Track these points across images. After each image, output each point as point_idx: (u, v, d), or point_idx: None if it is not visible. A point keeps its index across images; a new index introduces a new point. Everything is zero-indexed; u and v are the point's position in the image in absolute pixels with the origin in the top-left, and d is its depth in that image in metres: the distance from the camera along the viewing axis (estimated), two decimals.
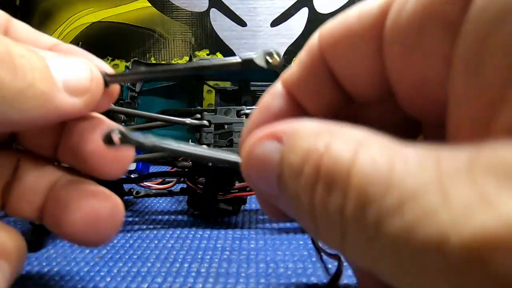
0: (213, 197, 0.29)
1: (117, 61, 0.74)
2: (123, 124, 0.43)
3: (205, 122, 0.30)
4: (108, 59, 0.74)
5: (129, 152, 0.17)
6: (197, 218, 0.31)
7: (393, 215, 0.08)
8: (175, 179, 0.36)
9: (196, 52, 0.75)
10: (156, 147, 0.13)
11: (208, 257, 0.23)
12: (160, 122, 0.33)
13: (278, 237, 0.26)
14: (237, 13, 0.73)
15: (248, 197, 0.32)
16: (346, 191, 0.09)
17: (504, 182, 0.07)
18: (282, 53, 0.71)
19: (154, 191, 0.34)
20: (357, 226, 0.09)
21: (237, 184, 0.30)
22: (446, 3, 0.10)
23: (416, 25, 0.11)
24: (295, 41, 0.74)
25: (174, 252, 0.24)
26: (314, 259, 0.23)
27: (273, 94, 0.15)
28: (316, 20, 0.73)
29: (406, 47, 0.11)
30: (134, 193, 0.33)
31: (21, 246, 0.15)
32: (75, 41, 0.75)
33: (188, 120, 0.30)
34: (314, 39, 0.14)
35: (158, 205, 0.35)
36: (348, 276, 0.21)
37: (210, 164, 0.28)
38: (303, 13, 0.74)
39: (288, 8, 0.73)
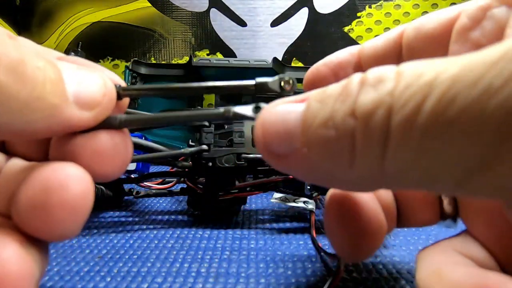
0: (213, 197, 0.29)
1: (117, 61, 0.74)
2: None
3: (205, 122, 0.30)
4: (108, 59, 0.74)
5: (126, 153, 0.16)
6: (197, 218, 0.31)
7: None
8: (175, 179, 0.36)
9: (196, 52, 0.75)
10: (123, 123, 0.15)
11: (208, 257, 0.23)
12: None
13: (278, 237, 0.26)
14: (237, 13, 0.73)
15: (248, 197, 0.32)
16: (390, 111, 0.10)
17: None
18: (283, 55, 0.70)
19: (154, 191, 0.34)
20: (404, 128, 0.09)
21: (237, 184, 0.30)
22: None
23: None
24: (295, 41, 0.74)
25: (174, 252, 0.24)
26: (314, 259, 0.23)
27: (348, 49, 0.19)
28: (316, 20, 0.73)
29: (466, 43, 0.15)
30: (134, 193, 0.33)
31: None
32: (75, 41, 0.75)
33: None
34: (401, 28, 0.17)
35: (158, 205, 0.35)
36: (348, 276, 0.21)
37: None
38: (303, 13, 0.74)
39: (288, 8, 0.73)
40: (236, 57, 0.74)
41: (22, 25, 0.74)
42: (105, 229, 0.28)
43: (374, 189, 0.12)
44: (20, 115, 0.12)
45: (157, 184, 0.37)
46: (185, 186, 0.31)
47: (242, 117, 0.15)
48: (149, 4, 0.74)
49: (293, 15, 0.74)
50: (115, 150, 0.15)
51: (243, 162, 0.28)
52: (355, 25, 0.74)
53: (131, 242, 0.26)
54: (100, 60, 0.74)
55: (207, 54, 0.75)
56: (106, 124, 0.15)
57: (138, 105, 0.51)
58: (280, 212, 0.33)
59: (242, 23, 0.74)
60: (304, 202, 0.29)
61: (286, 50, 0.74)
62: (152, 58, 0.75)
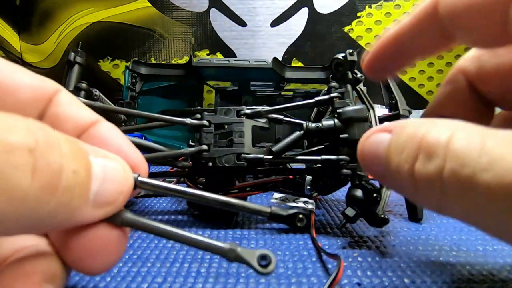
0: None
1: (117, 61, 0.74)
2: (123, 124, 0.43)
3: (205, 122, 0.30)
4: (108, 59, 0.74)
5: (118, 252, 0.15)
6: (197, 218, 0.31)
7: (486, 170, 0.11)
8: (175, 179, 0.36)
9: (196, 52, 0.75)
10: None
11: (208, 257, 0.23)
12: (160, 122, 0.33)
13: (278, 237, 0.26)
14: (237, 13, 0.74)
15: (248, 197, 0.32)
16: (445, 156, 0.12)
17: None
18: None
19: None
20: (454, 180, 0.11)
21: (237, 184, 0.30)
22: None
23: None
24: (295, 41, 0.74)
25: (174, 252, 0.24)
26: (314, 259, 0.23)
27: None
28: (316, 20, 0.73)
29: None
30: None
31: (63, 270, 0.14)
32: (75, 41, 0.75)
33: (188, 120, 0.30)
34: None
35: (158, 205, 0.35)
36: (348, 276, 0.21)
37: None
38: (303, 13, 0.74)
39: (288, 8, 0.73)
40: (236, 57, 0.74)
41: (22, 25, 0.74)
42: None
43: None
44: (40, 222, 0.11)
45: None
46: (185, 186, 0.31)
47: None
48: (149, 4, 0.74)
49: (293, 15, 0.74)
50: (108, 249, 0.14)
51: (243, 162, 0.28)
52: (355, 25, 0.74)
53: (131, 242, 0.26)
54: (100, 60, 0.74)
55: (207, 54, 0.75)
56: (110, 217, 0.14)
57: (138, 105, 0.51)
58: None
59: (242, 23, 0.74)
60: (304, 202, 0.29)
61: (286, 50, 0.74)
62: (152, 58, 0.75)
